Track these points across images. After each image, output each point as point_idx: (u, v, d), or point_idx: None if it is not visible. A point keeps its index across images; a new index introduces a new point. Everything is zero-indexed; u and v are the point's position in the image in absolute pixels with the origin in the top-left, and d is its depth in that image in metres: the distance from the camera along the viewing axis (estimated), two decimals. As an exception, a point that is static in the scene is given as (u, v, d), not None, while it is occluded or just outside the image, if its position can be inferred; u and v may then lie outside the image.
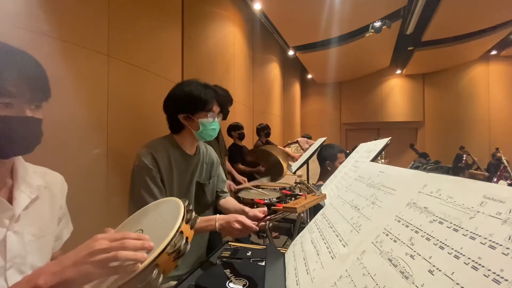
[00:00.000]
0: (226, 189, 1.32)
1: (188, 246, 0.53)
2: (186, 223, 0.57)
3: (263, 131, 3.72)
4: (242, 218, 0.93)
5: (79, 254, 0.46)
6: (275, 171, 3.07)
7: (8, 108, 0.53)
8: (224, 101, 1.40)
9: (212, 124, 1.11)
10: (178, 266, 0.54)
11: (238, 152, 3.07)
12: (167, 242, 0.50)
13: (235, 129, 3.09)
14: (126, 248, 0.47)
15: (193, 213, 0.60)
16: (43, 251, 0.64)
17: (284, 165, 3.10)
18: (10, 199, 0.59)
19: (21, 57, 0.58)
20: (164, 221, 0.59)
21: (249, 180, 2.51)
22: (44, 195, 0.66)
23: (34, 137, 0.59)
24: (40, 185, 0.65)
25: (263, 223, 0.95)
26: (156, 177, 1.04)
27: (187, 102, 1.08)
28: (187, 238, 0.54)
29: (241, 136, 3.12)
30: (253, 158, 3.20)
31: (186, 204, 0.63)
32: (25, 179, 0.63)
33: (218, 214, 1.01)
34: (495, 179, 2.82)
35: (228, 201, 1.27)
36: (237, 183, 2.46)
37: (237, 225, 0.92)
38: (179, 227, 0.53)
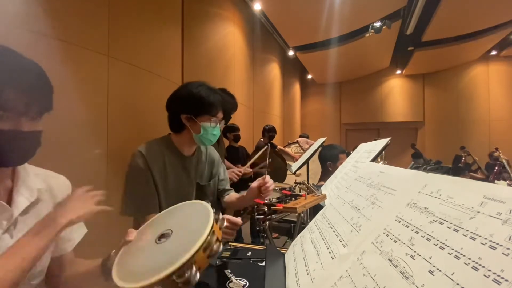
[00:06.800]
0: (228, 187, 1.32)
1: (221, 246, 0.55)
2: (216, 223, 0.58)
3: (269, 132, 3.70)
4: (226, 216, 0.93)
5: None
6: (279, 176, 3.06)
7: (2, 120, 0.50)
8: (229, 108, 1.38)
9: (214, 129, 1.10)
10: None
11: (235, 154, 3.05)
12: (204, 239, 0.52)
13: (231, 131, 3.05)
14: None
15: (220, 215, 0.61)
16: None
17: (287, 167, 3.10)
18: (9, 202, 0.58)
19: (24, 64, 0.54)
20: (194, 221, 0.60)
21: (251, 181, 2.49)
22: (45, 198, 0.65)
23: (29, 151, 0.57)
24: (41, 188, 0.64)
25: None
26: (148, 179, 1.04)
27: (193, 103, 1.07)
28: (218, 237, 0.56)
29: (237, 138, 3.09)
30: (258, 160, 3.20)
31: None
32: (26, 182, 0.62)
33: None
34: (491, 179, 2.81)
35: (231, 195, 1.28)
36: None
37: (225, 223, 0.92)
38: (212, 225, 0.55)
